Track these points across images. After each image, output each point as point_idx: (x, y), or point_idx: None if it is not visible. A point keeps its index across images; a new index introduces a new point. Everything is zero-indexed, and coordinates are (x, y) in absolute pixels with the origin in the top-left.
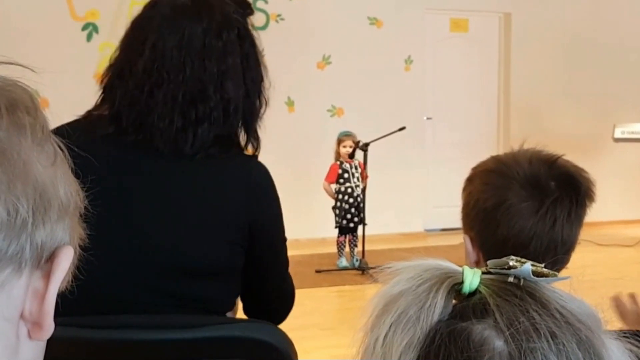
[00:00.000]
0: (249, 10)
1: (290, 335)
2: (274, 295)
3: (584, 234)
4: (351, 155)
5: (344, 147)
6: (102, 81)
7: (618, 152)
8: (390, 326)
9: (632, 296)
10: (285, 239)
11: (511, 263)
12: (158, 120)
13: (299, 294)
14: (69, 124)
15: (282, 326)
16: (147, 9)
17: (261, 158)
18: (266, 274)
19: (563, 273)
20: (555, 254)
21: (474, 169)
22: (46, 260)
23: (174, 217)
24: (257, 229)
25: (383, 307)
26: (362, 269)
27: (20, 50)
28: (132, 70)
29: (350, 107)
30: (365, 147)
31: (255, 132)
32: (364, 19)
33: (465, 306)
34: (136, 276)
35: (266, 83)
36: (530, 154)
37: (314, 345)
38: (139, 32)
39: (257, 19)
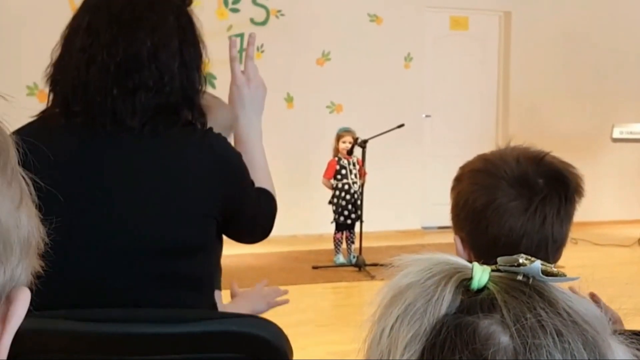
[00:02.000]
0: (188, 0)
1: (286, 331)
2: (252, 224)
3: (582, 233)
4: (350, 152)
5: (343, 142)
6: (47, 81)
7: (616, 152)
8: (397, 317)
9: (593, 295)
10: (252, 183)
11: (521, 260)
12: (95, 94)
13: (295, 290)
14: (21, 129)
15: (278, 322)
16: (82, 2)
17: None
18: (242, 217)
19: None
20: (547, 252)
21: (462, 168)
22: (3, 301)
23: (144, 197)
24: (232, 198)
25: (391, 299)
26: (359, 266)
27: (20, 41)
28: (71, 55)
29: (350, 103)
30: (363, 144)
31: (200, 107)
32: (364, 15)
33: (473, 301)
34: (116, 262)
35: (205, 59)
36: (517, 152)
37: (310, 342)
38: (75, 21)
39: (257, 15)
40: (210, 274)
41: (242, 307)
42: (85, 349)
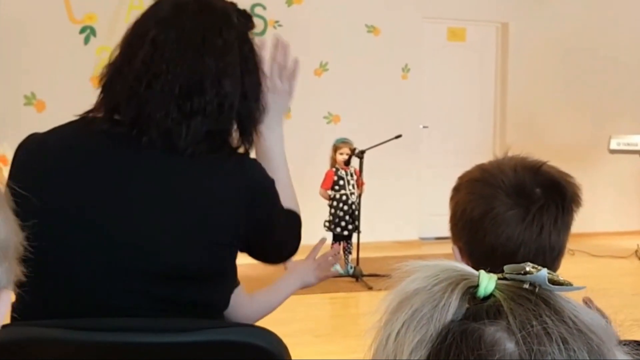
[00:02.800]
0: (250, 23)
1: (283, 341)
2: (278, 248)
3: (579, 244)
4: (347, 163)
5: (341, 154)
6: (101, 80)
7: (613, 164)
8: (404, 323)
9: (587, 300)
10: (282, 208)
11: (527, 269)
12: (154, 112)
13: (292, 300)
14: (63, 126)
15: (275, 331)
16: (149, 7)
17: None
18: (269, 241)
19: None
20: (544, 261)
21: (460, 178)
22: None
23: (166, 219)
24: (260, 225)
25: (398, 304)
26: (356, 277)
27: (18, 52)
28: (131, 64)
29: (347, 114)
30: (361, 155)
31: (251, 135)
32: (361, 26)
33: (479, 308)
34: (124, 280)
35: (265, 89)
36: (515, 161)
37: (306, 352)
38: (139, 29)
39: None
40: (219, 301)
41: (292, 283)
42: (85, 358)
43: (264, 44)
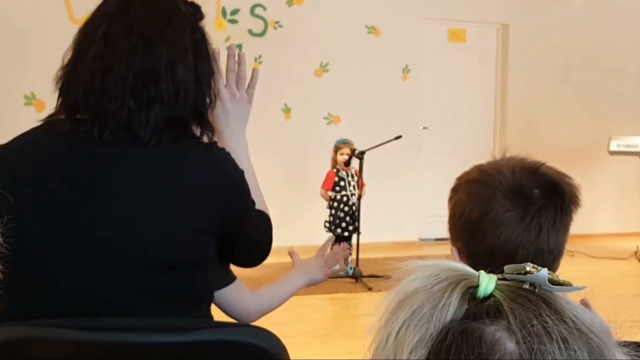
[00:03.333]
0: (199, 14)
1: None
2: (250, 246)
3: (578, 245)
4: (347, 163)
5: (341, 154)
6: (57, 83)
7: (613, 165)
8: (404, 322)
9: (584, 302)
10: (254, 203)
11: (528, 269)
12: (110, 103)
13: (292, 300)
14: (27, 132)
15: (274, 332)
16: (97, 7)
17: (256, 164)
18: (241, 237)
19: None
20: (543, 262)
21: (459, 179)
22: None
23: (141, 210)
24: (233, 215)
25: (398, 303)
26: (356, 277)
27: (18, 51)
28: (84, 62)
29: (347, 115)
30: (361, 155)
31: (208, 122)
32: (362, 27)
33: (479, 308)
34: (108, 274)
35: (217, 78)
36: (513, 162)
37: (305, 353)
38: (89, 27)
39: (255, 26)
40: (206, 288)
41: (298, 280)
42: (83, 357)
43: (218, 53)
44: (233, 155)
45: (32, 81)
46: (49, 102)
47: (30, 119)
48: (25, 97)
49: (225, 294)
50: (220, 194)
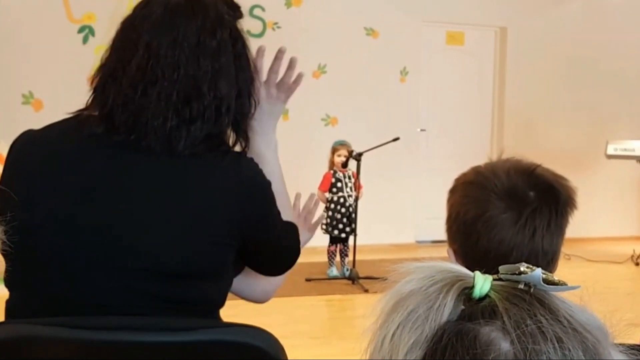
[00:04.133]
0: (239, 13)
1: None
2: (276, 256)
3: (574, 249)
4: (344, 165)
5: (339, 155)
6: (92, 82)
7: (610, 169)
8: (399, 324)
9: None
10: (280, 217)
11: (522, 269)
12: (152, 119)
13: (289, 301)
14: (57, 123)
15: (271, 333)
16: (139, 7)
17: None
18: (266, 248)
19: None
20: (537, 264)
21: (456, 180)
22: None
23: (161, 217)
24: (255, 227)
25: (393, 305)
26: (352, 279)
27: (16, 51)
28: (125, 70)
29: (345, 116)
30: (358, 157)
31: (245, 132)
32: (360, 29)
33: (474, 309)
34: (125, 281)
35: (257, 84)
36: (509, 164)
37: (302, 354)
38: (131, 32)
39: (253, 27)
40: (215, 300)
41: None
42: (84, 356)
43: (263, 52)
44: (262, 158)
45: (30, 80)
46: (47, 101)
47: (27, 118)
48: (23, 96)
49: (240, 280)
50: (243, 204)
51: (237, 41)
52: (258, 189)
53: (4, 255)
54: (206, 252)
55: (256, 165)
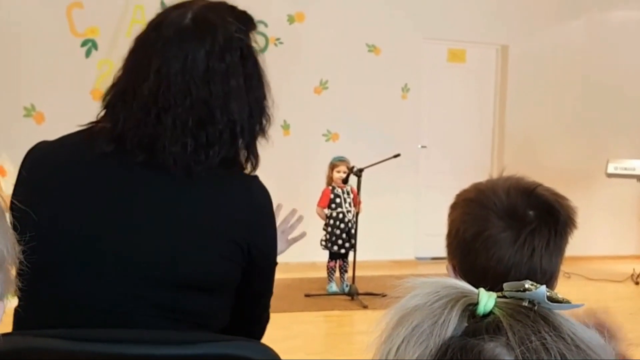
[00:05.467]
0: (251, 25)
1: None
2: (253, 321)
3: (574, 267)
4: (345, 181)
5: (338, 172)
6: (104, 98)
7: (610, 188)
8: (404, 339)
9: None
10: (276, 264)
11: (527, 286)
12: (170, 145)
13: (288, 317)
14: (70, 136)
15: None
16: (150, 29)
17: None
18: (253, 298)
19: None
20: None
21: (457, 196)
22: None
23: (172, 230)
24: (255, 249)
25: (398, 320)
26: (352, 295)
27: (19, 63)
28: (136, 93)
29: (346, 132)
30: (359, 173)
31: (255, 149)
32: (362, 45)
33: (479, 325)
34: (132, 289)
35: (269, 101)
36: (509, 183)
37: None
38: (142, 55)
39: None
40: (216, 315)
41: None
42: None
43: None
44: None
45: (32, 93)
46: (49, 114)
47: (29, 131)
48: (25, 108)
49: None
50: (251, 226)
51: (248, 60)
52: (266, 215)
53: (20, 275)
54: (217, 266)
55: (266, 189)
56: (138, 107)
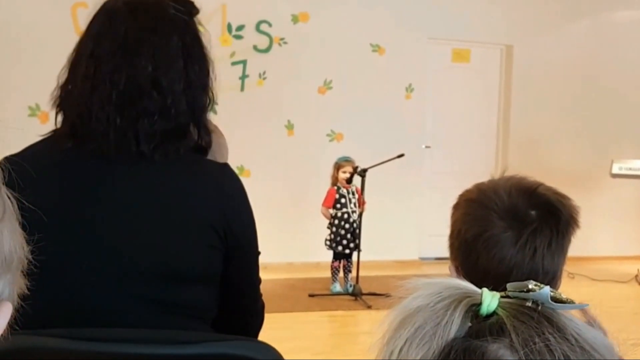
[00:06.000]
0: (193, 9)
1: None
2: (244, 314)
3: (579, 268)
4: (349, 181)
5: (343, 172)
6: (54, 103)
7: (615, 188)
8: (407, 340)
9: (590, 320)
10: (258, 253)
11: (530, 286)
12: (97, 123)
13: (291, 317)
14: (33, 145)
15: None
16: (88, 23)
17: (258, 180)
18: (239, 290)
19: None
20: None
21: (460, 196)
22: None
23: (152, 222)
24: (232, 237)
25: (400, 321)
26: (356, 295)
27: (23, 62)
28: (75, 82)
29: (350, 132)
30: (363, 173)
31: (205, 126)
32: (366, 45)
33: (482, 326)
34: (118, 284)
35: (212, 77)
36: (511, 183)
37: None
38: (79, 46)
39: (260, 42)
40: (205, 305)
41: None
42: None
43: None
44: None
45: (36, 92)
46: (53, 113)
47: (34, 131)
48: (30, 108)
49: None
50: (225, 213)
51: (186, 34)
52: (239, 203)
53: (28, 275)
54: (200, 255)
55: (237, 177)
56: (77, 93)
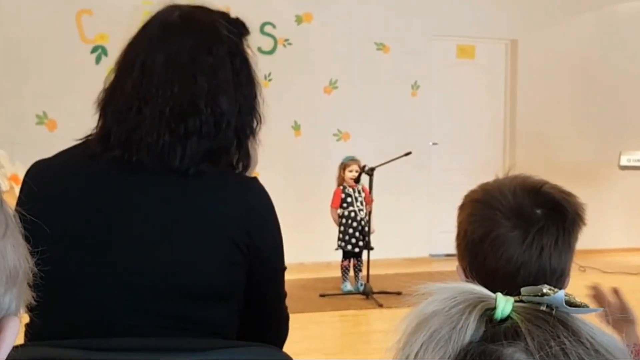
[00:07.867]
0: (244, 30)
1: None
2: (269, 326)
3: (590, 261)
4: (357, 180)
5: (350, 171)
6: (98, 105)
7: (624, 180)
8: (422, 344)
9: (616, 290)
10: (284, 269)
11: (545, 290)
12: (145, 136)
13: (303, 317)
14: (67, 150)
15: (285, 350)
16: (139, 30)
17: (267, 181)
18: (262, 304)
19: None
20: (546, 283)
21: (465, 197)
22: None
23: (173, 237)
24: (255, 253)
25: (416, 326)
26: (367, 294)
27: (30, 71)
28: (122, 90)
29: (356, 131)
30: (371, 172)
31: (247, 150)
32: (371, 44)
33: (497, 330)
34: (137, 300)
35: (259, 100)
36: (516, 182)
37: None
38: (129, 52)
39: (264, 44)
40: (225, 322)
41: None
42: None
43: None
44: None
45: (44, 101)
46: (61, 121)
47: (41, 139)
48: (37, 116)
49: None
50: (249, 229)
51: (236, 57)
52: (265, 218)
53: (34, 286)
54: (221, 272)
55: (265, 192)
56: (122, 102)
